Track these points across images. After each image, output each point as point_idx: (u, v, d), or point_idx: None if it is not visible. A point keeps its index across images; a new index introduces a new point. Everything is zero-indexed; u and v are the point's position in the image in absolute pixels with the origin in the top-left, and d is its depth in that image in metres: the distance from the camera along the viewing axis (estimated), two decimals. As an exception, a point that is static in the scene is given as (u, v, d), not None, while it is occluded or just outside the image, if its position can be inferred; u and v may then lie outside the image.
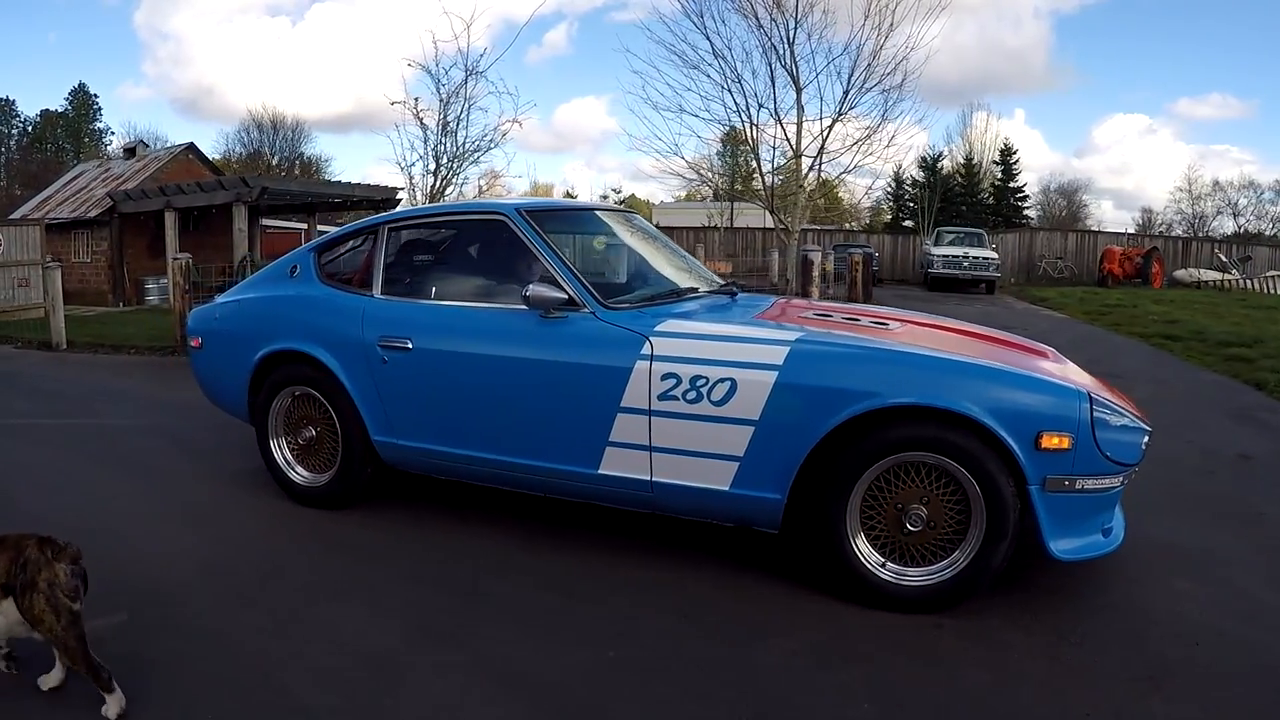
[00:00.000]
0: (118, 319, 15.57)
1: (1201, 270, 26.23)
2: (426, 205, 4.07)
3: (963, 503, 3.09)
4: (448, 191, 13.41)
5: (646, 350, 3.37)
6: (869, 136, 16.06)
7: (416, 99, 12.48)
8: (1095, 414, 2.99)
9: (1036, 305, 18.80)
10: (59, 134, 56.13)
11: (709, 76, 16.29)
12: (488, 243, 4.21)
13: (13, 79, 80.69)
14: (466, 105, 12.48)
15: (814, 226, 28.23)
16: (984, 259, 23.39)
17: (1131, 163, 75.47)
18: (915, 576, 3.16)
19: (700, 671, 2.79)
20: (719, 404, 3.22)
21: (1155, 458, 5.29)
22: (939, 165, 45.70)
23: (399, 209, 4.72)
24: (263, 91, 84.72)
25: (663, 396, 3.31)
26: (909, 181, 46.52)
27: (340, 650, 2.92)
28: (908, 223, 43.63)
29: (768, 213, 17.36)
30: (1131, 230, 41.07)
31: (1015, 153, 46.03)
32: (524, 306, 3.62)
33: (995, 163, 46.38)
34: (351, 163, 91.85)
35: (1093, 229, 36.69)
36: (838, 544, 3.18)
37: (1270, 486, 4.86)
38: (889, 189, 46.78)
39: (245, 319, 4.59)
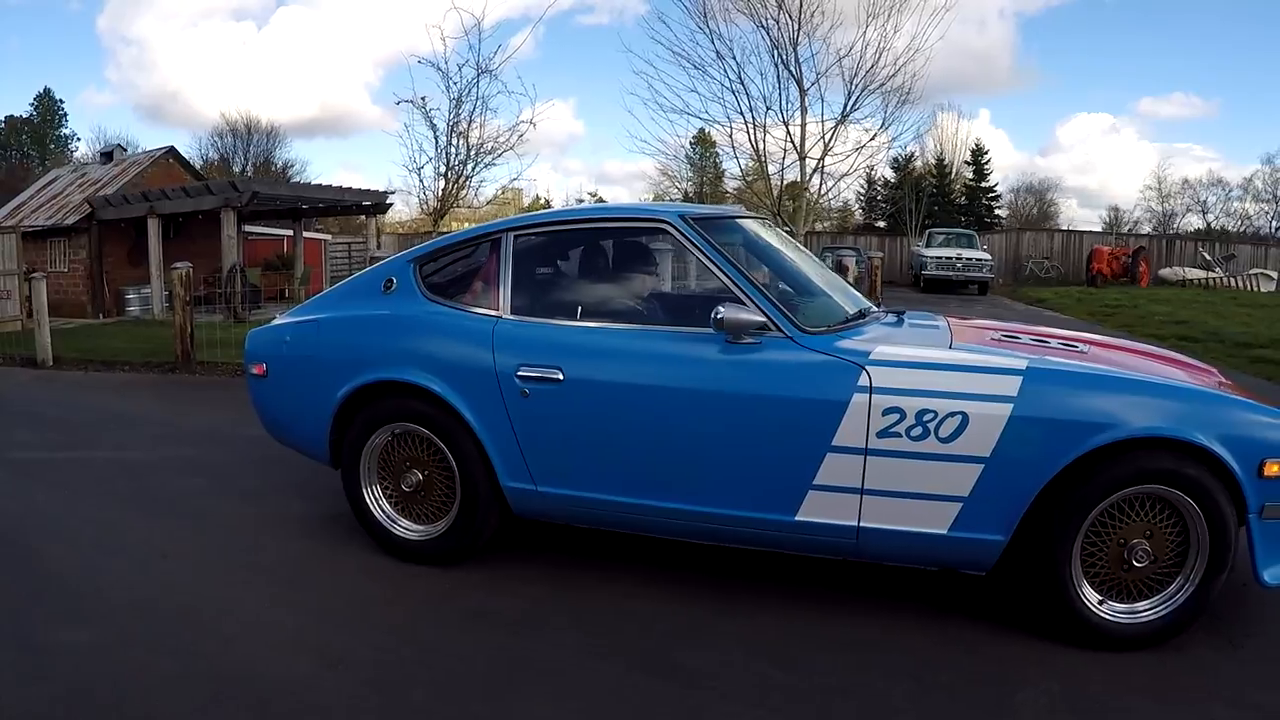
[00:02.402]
0: (101, 332, 14.95)
1: (1186, 269, 26.48)
2: (558, 209, 3.63)
3: (1182, 534, 2.97)
4: (463, 195, 13.01)
5: (864, 381, 3.02)
6: (873, 139, 16.06)
7: (424, 97, 12.05)
8: None
9: (1036, 306, 18.75)
10: (24, 140, 54.96)
11: (712, 78, 16.17)
12: (645, 254, 3.82)
13: (-30, 84, 79.05)
14: (479, 105, 12.05)
15: (831, 231, 28.28)
16: (977, 260, 23.46)
17: (1095, 161, 76.04)
18: (1141, 612, 3.01)
19: None
20: (947, 440, 2.93)
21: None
22: (910, 166, 45.83)
23: (525, 214, 4.14)
24: (228, 96, 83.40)
25: (883, 434, 2.99)
26: (880, 182, 46.67)
27: None
28: (880, 224, 43.62)
29: (773, 215, 17.17)
30: (1099, 228, 41.40)
31: (987, 153, 46.28)
32: (701, 329, 3.25)
33: (967, 163, 46.53)
34: (324, 167, 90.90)
35: (1077, 229, 36.80)
36: (1060, 584, 2.98)
37: None
38: (861, 190, 47.03)
39: (327, 343, 3.97)
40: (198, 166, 43.02)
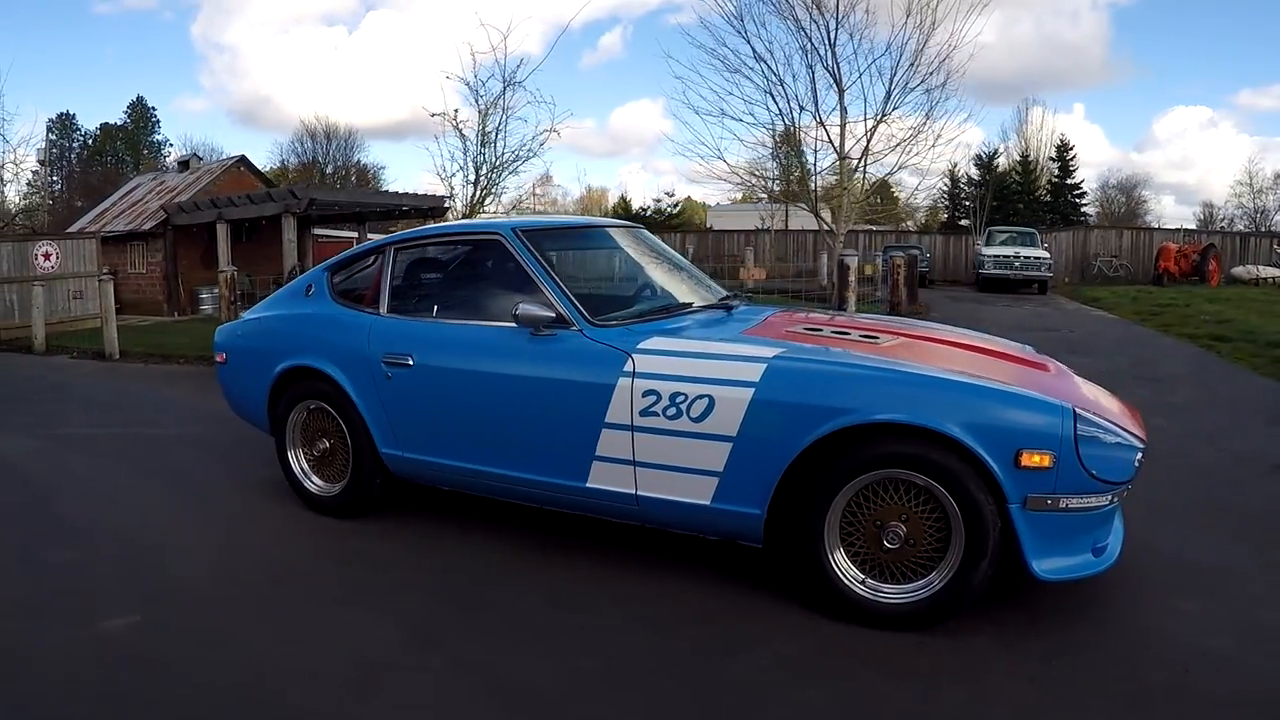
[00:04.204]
0: (171, 329, 15.99)
1: (1260, 267, 25.42)
2: (431, 225, 4.27)
3: (943, 521, 3.06)
4: (487, 202, 13.53)
5: (629, 367, 3.42)
6: (914, 136, 15.90)
7: (456, 110, 12.64)
8: (1080, 431, 2.93)
9: (1087, 305, 18.43)
10: (118, 147, 57.81)
11: (751, 80, 16.30)
12: (485, 262, 4.32)
13: (74, 93, 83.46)
14: (504, 116, 12.56)
15: (868, 228, 28.08)
16: (1036, 259, 22.96)
17: (1193, 157, 73.65)
18: (892, 594, 3.14)
19: (670, 684, 2.82)
20: (698, 420, 3.25)
21: (1183, 466, 5.22)
22: (994, 163, 45.19)
23: (406, 230, 4.92)
24: (319, 100, 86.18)
25: (644, 413, 3.36)
26: (964, 180, 46.06)
27: (335, 655, 3.04)
28: (964, 221, 43.05)
29: (814, 215, 17.21)
30: (1193, 226, 40.13)
31: (1072, 149, 45.23)
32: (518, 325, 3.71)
33: (1052, 159, 45.58)
34: (405, 170, 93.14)
35: (1149, 226, 35.74)
36: (816, 559, 3.19)
37: None
38: (944, 188, 46.46)
39: (264, 336, 4.81)
40: (278, 171, 44.81)
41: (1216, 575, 3.64)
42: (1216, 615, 3.27)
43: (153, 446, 6.32)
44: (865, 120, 16.15)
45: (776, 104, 16.32)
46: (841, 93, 16.08)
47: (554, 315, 3.65)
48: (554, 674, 2.89)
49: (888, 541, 3.11)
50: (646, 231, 5.01)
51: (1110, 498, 3.06)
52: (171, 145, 57.86)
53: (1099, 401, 3.44)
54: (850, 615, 3.18)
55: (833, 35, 15.84)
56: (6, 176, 27.45)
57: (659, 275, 4.62)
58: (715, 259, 26.58)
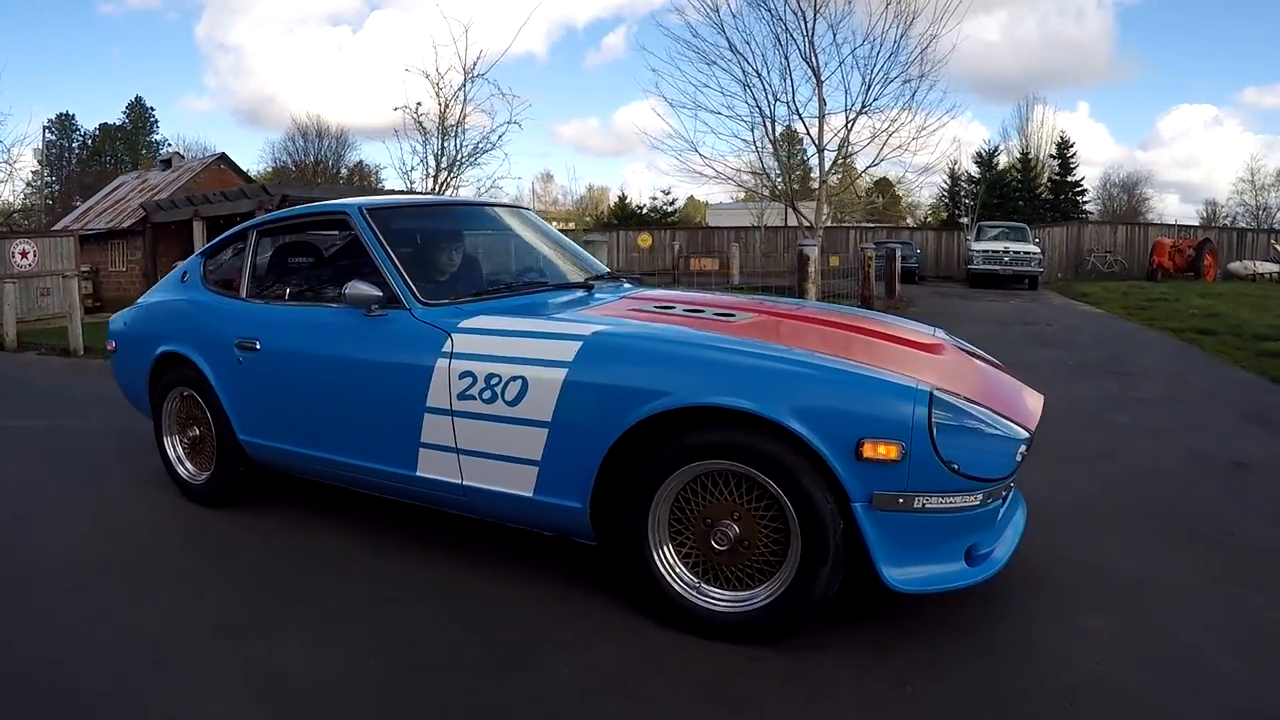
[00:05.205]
0: (143, 326, 15.75)
1: (1258, 262, 25.13)
2: (293, 208, 4.08)
3: (781, 521, 2.68)
4: (446, 195, 13.33)
5: (448, 347, 3.19)
6: (894, 128, 15.65)
7: (419, 103, 12.41)
8: (937, 418, 2.51)
9: (1075, 301, 18.11)
10: (117, 147, 57.96)
11: (728, 72, 16.05)
12: (335, 243, 4.17)
13: (75, 94, 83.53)
14: (463, 109, 12.34)
15: (861, 225, 27.91)
16: (1025, 254, 22.62)
17: (1197, 155, 73.35)
18: (722, 601, 2.78)
19: (451, 688, 2.58)
20: (513, 404, 2.99)
21: (1136, 465, 4.90)
22: (994, 161, 45.02)
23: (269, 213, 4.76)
24: (323, 100, 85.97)
25: (461, 396, 3.11)
26: (964, 178, 45.84)
27: (131, 638, 2.97)
28: (964, 220, 42.86)
29: (809, 211, 16.95)
30: (1196, 223, 39.70)
31: (1072, 146, 44.89)
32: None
33: (1052, 157, 45.29)
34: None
35: (1144, 221, 35.44)
36: (642, 560, 2.87)
37: (1259, 501, 4.18)
38: (944, 186, 46.28)
39: (144, 323, 4.73)
40: (272, 171, 44.67)
41: (1138, 588, 3.18)
42: (1126, 636, 2.81)
43: (70, 437, 6.21)
44: (846, 113, 15.95)
45: (753, 95, 16.11)
46: (820, 84, 15.85)
47: (381, 294, 3.42)
48: (334, 672, 2.68)
49: (716, 542, 2.75)
50: (531, 213, 4.79)
51: (982, 496, 2.64)
52: (169, 145, 57.84)
53: (988, 387, 3.08)
54: (682, 623, 2.83)
55: (810, 25, 15.62)
56: (0, 176, 27.28)
57: (531, 256, 4.38)
58: (706, 254, 26.43)
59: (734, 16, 15.89)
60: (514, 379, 2.98)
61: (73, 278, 13.12)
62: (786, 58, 16.01)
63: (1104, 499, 4.22)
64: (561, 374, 2.90)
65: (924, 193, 48.31)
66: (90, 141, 58.99)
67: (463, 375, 3.10)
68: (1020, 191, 43.86)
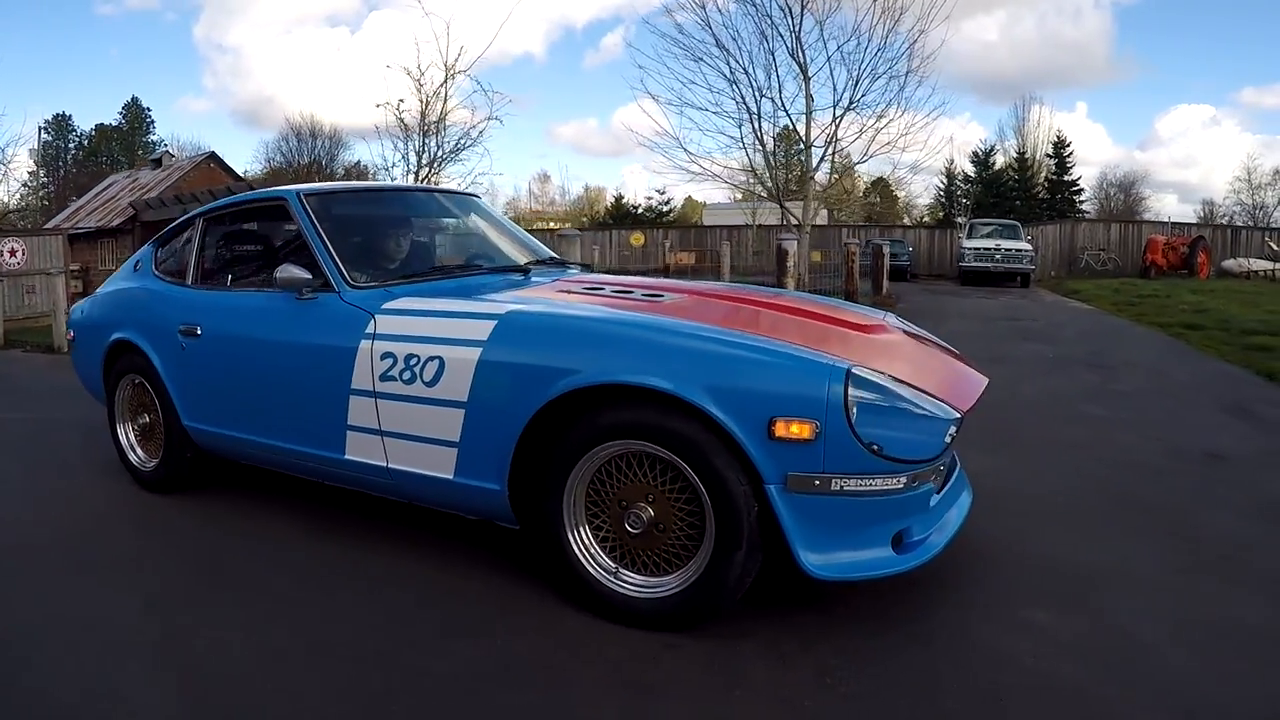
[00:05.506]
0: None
1: (1251, 260, 25.07)
2: (236, 195, 4.11)
3: (696, 503, 2.62)
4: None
5: (371, 329, 3.19)
6: (880, 123, 15.53)
7: (401, 100, 12.39)
8: (854, 396, 2.42)
9: (1066, 298, 18.11)
10: (113, 147, 57.95)
11: (715, 69, 15.94)
12: (274, 229, 4.18)
13: (72, 94, 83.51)
14: (444, 104, 12.30)
15: (854, 223, 27.87)
16: (1017, 251, 22.57)
17: (1195, 155, 73.30)
18: (637, 586, 2.73)
19: (366, 672, 2.54)
20: (431, 384, 2.98)
21: (1107, 457, 4.82)
22: (991, 160, 45.01)
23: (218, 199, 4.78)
24: (322, 100, 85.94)
25: (383, 377, 3.10)
26: (960, 177, 45.86)
27: (50, 618, 2.96)
28: (960, 219, 42.88)
29: (799, 210, 16.82)
30: (1194, 222, 39.62)
31: (1069, 145, 44.87)
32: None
33: (1049, 156, 45.24)
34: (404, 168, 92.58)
35: (1138, 219, 35.38)
36: (557, 543, 2.83)
37: (1228, 493, 4.09)
38: (941, 185, 46.29)
39: (99, 312, 4.74)
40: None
41: (1089, 581, 3.07)
42: (1070, 631, 2.69)
43: (40, 429, 6.27)
44: (834, 109, 15.83)
45: (740, 92, 16.00)
46: (807, 80, 15.73)
47: (310, 277, 3.44)
48: (250, 652, 2.67)
49: (630, 525, 2.70)
50: (482, 201, 4.76)
51: (906, 479, 2.55)
52: (165, 145, 57.77)
53: (922, 368, 3.00)
54: (599, 609, 2.79)
55: (798, 20, 15.52)
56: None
57: (477, 243, 4.37)
58: (684, 249, 26.63)
59: (721, 14, 15.70)
60: (431, 359, 2.98)
61: (58, 275, 13.05)
62: (773, 54, 15.90)
63: (1070, 490, 4.14)
64: (476, 353, 2.88)
65: (919, 190, 48.42)
66: (86, 142, 59.15)
67: (384, 356, 3.10)
68: (1017, 191, 43.87)
